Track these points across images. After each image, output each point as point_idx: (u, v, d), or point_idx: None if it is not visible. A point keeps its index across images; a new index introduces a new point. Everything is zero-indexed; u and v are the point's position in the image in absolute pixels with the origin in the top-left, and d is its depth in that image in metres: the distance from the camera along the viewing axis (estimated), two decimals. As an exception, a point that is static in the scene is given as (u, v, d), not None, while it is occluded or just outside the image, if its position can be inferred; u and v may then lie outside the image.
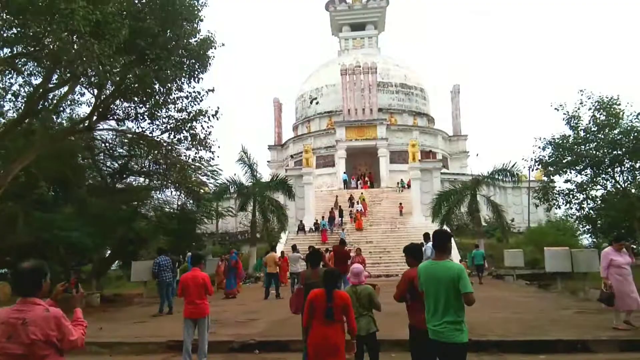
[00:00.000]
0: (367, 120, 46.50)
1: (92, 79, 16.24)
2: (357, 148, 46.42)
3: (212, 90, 18.27)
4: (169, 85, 17.27)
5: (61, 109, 18.44)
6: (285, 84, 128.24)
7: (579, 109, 20.93)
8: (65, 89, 18.38)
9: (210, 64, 17.44)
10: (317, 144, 49.24)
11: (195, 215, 23.17)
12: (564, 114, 21.21)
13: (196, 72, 17.32)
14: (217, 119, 18.71)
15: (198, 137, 18.91)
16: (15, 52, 14.57)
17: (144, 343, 8.30)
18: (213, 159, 20.79)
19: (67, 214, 18.42)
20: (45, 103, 18.58)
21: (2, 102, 17.88)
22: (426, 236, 12.11)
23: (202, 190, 25.17)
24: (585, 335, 7.79)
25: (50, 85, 17.31)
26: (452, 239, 4.81)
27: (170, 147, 19.74)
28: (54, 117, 19.09)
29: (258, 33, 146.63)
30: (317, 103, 52.54)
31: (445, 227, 26.50)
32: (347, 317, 4.93)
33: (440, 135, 52.65)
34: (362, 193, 40.23)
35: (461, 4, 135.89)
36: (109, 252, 22.02)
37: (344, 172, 45.52)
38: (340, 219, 34.58)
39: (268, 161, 54.91)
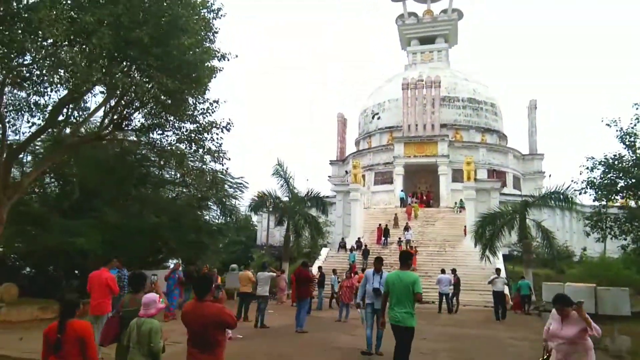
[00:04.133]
0: (427, 137, 44.34)
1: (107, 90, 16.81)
2: (416, 165, 44.46)
3: (217, 102, 18.17)
4: (185, 97, 17.41)
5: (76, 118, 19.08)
6: (353, 100, 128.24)
7: (634, 125, 18.13)
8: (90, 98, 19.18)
9: (214, 75, 17.36)
10: (376, 159, 47.94)
11: (214, 227, 23.16)
12: (617, 130, 18.47)
13: (201, 84, 17.37)
14: (229, 130, 18.63)
15: (210, 149, 18.97)
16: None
17: None
18: (226, 171, 20.91)
19: (85, 221, 19.10)
20: (74, 113, 19.62)
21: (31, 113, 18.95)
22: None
23: (233, 203, 25.26)
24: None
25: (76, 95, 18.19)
26: (413, 257, 7.21)
27: (191, 158, 20.05)
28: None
29: (331, 50, 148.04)
30: (378, 118, 51.24)
31: (485, 252, 24.22)
32: (84, 353, 4.23)
33: (512, 153, 48.85)
34: (414, 203, 39.05)
35: (539, 14, 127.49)
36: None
37: (402, 190, 43.73)
38: (384, 238, 32.97)
39: (329, 176, 54.32)
